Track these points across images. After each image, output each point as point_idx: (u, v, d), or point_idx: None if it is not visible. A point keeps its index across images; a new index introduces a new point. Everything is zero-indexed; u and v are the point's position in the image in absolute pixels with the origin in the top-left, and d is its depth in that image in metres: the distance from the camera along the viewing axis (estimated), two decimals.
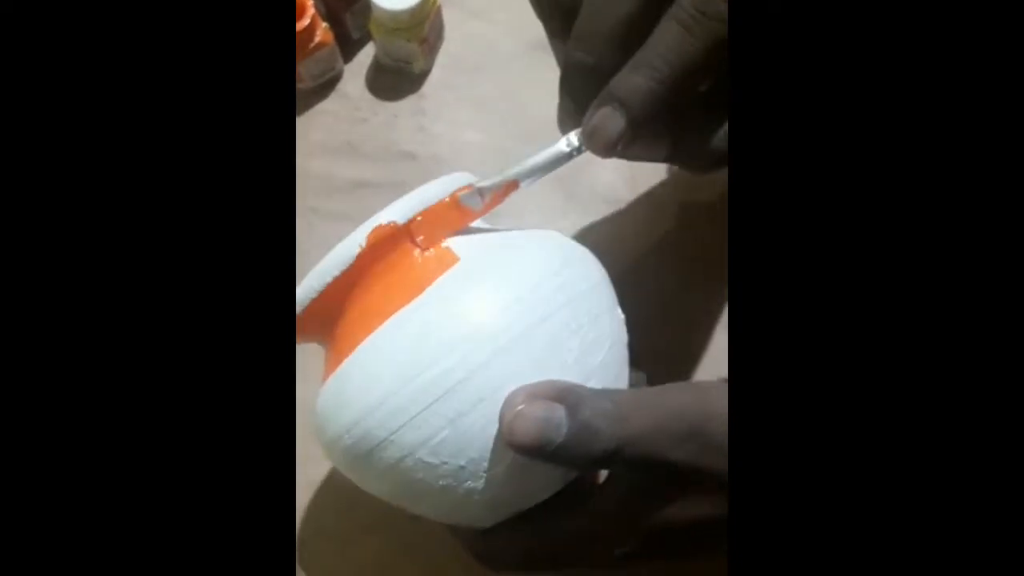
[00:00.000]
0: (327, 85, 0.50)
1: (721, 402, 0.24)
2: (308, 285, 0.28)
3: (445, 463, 0.25)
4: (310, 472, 0.39)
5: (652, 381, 0.36)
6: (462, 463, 0.25)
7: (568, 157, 0.28)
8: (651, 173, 0.45)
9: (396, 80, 0.49)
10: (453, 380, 0.24)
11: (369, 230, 0.27)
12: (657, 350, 0.40)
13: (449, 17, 0.50)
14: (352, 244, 0.27)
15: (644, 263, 0.43)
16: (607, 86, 0.26)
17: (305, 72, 0.48)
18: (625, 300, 0.31)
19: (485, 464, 0.25)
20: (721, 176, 0.43)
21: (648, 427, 0.23)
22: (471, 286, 0.26)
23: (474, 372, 0.24)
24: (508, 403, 0.24)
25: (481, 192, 0.29)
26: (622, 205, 0.44)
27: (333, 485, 0.40)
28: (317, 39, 0.46)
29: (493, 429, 0.25)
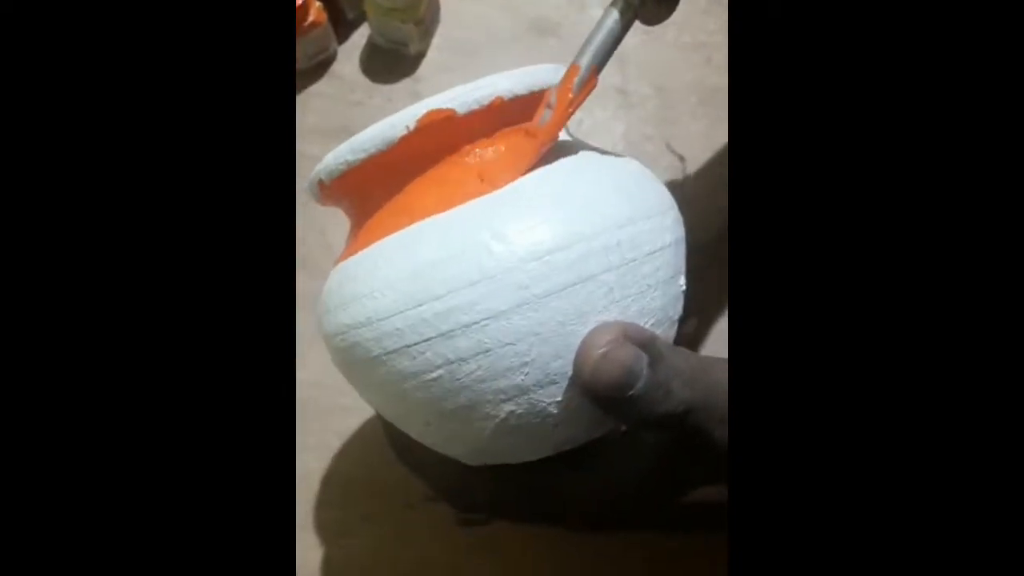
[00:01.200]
0: (321, 66, 0.49)
1: None
2: (340, 154, 0.25)
3: (433, 402, 0.23)
4: (304, 462, 0.39)
5: None
6: (450, 407, 0.23)
7: (633, 11, 0.25)
8: (649, 162, 0.44)
9: (391, 62, 0.48)
10: (460, 322, 0.21)
11: (421, 113, 0.23)
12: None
13: None
14: (397, 124, 0.24)
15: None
16: None
17: (298, 51, 0.47)
18: None
19: (475, 416, 0.23)
20: (722, 164, 0.43)
21: (706, 398, 0.22)
22: (517, 214, 0.22)
23: (487, 320, 0.21)
24: (591, 342, 0.21)
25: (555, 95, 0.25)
26: None
27: (327, 475, 0.39)
28: (311, 18, 0.45)
29: (492, 384, 0.22)
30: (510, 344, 0.21)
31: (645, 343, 0.22)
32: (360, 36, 0.50)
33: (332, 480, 0.39)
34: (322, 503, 0.39)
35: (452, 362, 0.22)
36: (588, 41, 0.25)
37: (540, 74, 0.25)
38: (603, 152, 0.27)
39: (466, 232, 0.22)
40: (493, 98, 0.24)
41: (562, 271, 0.21)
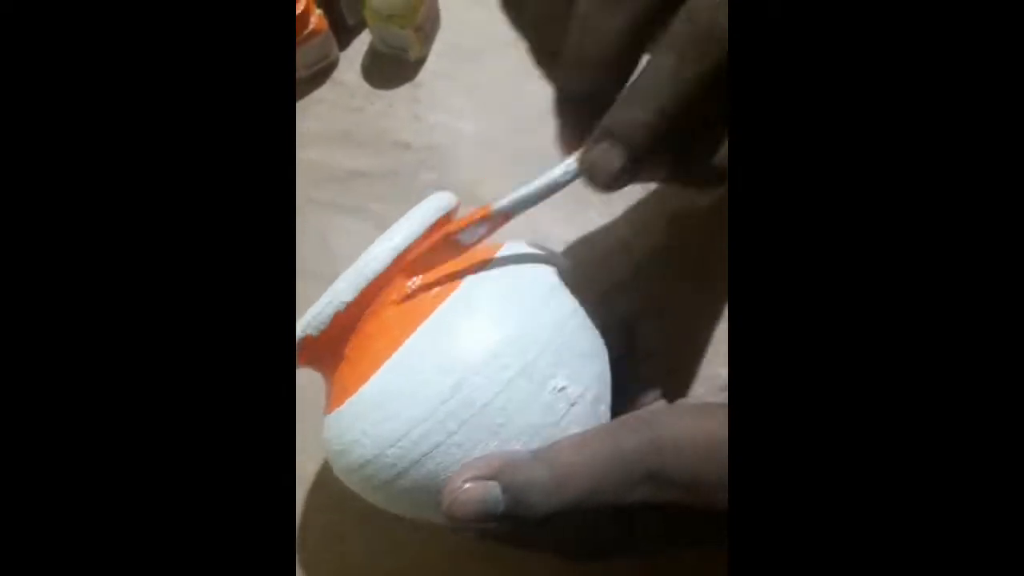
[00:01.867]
0: (322, 73, 0.49)
1: (671, 429, 0.23)
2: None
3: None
4: (300, 464, 0.39)
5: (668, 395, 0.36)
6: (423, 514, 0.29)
7: (566, 183, 0.26)
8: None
9: (392, 68, 0.49)
10: (366, 488, 0.28)
11: (299, 336, 0.28)
12: (655, 350, 0.39)
13: (446, 3, 0.49)
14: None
15: (640, 261, 0.42)
16: (603, 121, 0.24)
17: (299, 60, 0.47)
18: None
19: (421, 513, 0.29)
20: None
21: (592, 485, 0.23)
22: (373, 410, 0.27)
23: (379, 485, 0.27)
24: (451, 484, 0.24)
25: (469, 234, 0.28)
26: (615, 201, 0.44)
27: (322, 481, 0.39)
28: (311, 26, 0.46)
29: (411, 509, 0.28)
30: (403, 496, 0.27)
31: (496, 472, 0.24)
32: (362, 42, 0.50)
33: (328, 483, 0.39)
34: (318, 507, 0.39)
35: (389, 499, 0.28)
36: (518, 189, 0.27)
37: (366, 271, 0.27)
38: (480, 266, 0.29)
39: (346, 430, 0.27)
40: (332, 316, 0.27)
41: (411, 452, 0.26)
